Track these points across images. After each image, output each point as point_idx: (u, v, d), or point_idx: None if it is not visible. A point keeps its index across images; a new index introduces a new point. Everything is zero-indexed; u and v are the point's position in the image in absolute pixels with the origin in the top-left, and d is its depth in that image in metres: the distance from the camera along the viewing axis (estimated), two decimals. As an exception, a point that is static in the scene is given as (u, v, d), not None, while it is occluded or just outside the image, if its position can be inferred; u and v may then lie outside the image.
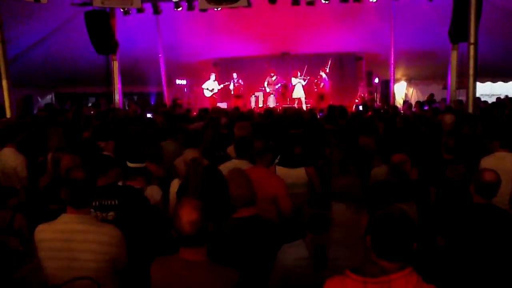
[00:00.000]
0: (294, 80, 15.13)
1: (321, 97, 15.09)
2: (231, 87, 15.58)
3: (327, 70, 15.22)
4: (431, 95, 14.28)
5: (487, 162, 4.12)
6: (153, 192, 3.62)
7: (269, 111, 9.04)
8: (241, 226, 2.80)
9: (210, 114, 8.75)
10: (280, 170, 4.16)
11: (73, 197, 2.48)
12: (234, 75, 15.55)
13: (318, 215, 2.54)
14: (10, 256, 3.00)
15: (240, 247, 2.72)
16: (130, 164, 3.62)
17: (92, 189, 2.57)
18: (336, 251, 2.51)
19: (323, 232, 2.53)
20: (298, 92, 15.12)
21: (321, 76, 15.10)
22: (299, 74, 15.10)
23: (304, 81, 15.04)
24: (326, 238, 2.52)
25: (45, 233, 2.49)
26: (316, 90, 15.24)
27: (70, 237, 2.43)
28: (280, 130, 6.16)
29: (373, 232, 1.88)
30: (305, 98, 15.13)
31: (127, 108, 13.83)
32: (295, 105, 14.83)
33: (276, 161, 4.32)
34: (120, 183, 3.60)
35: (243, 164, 4.06)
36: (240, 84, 15.50)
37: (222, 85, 15.47)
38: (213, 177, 3.26)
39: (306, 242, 2.54)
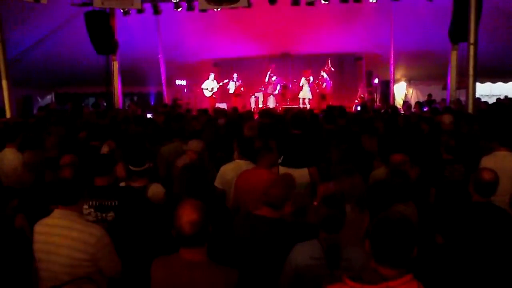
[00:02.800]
0: (303, 80, 15.12)
1: (323, 97, 15.08)
2: (231, 86, 15.57)
3: (332, 69, 15.20)
4: (429, 95, 14.29)
5: (488, 161, 4.12)
6: (155, 191, 3.62)
7: (266, 111, 9.00)
8: (256, 223, 2.83)
9: (209, 115, 8.75)
10: (283, 170, 4.16)
11: (60, 195, 2.58)
12: (235, 75, 15.55)
13: (333, 215, 2.55)
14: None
15: (249, 242, 2.74)
16: (132, 168, 3.62)
17: (80, 187, 2.64)
18: (348, 251, 2.51)
19: (336, 232, 2.54)
20: (305, 93, 15.09)
21: (322, 76, 15.10)
22: (306, 75, 15.06)
23: (307, 80, 15.03)
24: (339, 238, 2.53)
25: (40, 226, 2.62)
26: (318, 90, 15.23)
27: (54, 231, 2.54)
28: (282, 131, 6.16)
29: (372, 237, 1.84)
30: (309, 99, 15.12)
31: (126, 108, 13.84)
32: (301, 105, 14.80)
33: (279, 161, 4.31)
34: (123, 184, 3.61)
35: (246, 165, 4.06)
36: (240, 83, 15.50)
37: (221, 83, 15.47)
38: (195, 176, 3.26)
39: (321, 241, 2.55)
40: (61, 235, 2.52)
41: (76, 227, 2.54)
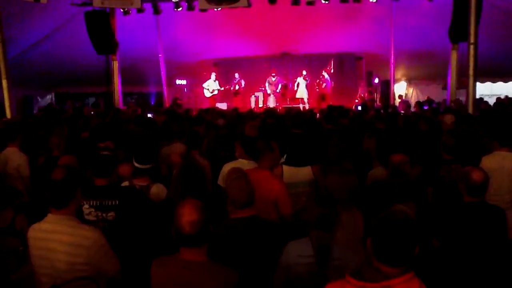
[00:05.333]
0: (299, 80, 15.13)
1: (322, 97, 15.09)
2: (232, 87, 15.60)
3: (331, 71, 15.21)
4: (424, 102, 14.20)
5: (488, 161, 4.12)
6: (158, 190, 3.62)
7: (270, 111, 9.04)
8: (240, 227, 2.80)
9: (209, 115, 8.75)
10: (286, 169, 4.16)
11: (52, 198, 2.52)
12: (236, 75, 15.55)
13: (325, 214, 2.55)
14: (7, 256, 3.00)
15: (238, 247, 2.71)
16: (137, 165, 3.63)
17: (72, 188, 2.54)
18: (339, 251, 2.51)
19: (328, 231, 2.53)
20: (302, 92, 15.10)
21: (323, 76, 15.09)
22: (304, 72, 15.06)
23: (306, 80, 15.04)
24: (330, 237, 2.53)
25: (33, 231, 2.57)
26: (318, 90, 15.23)
27: (49, 237, 2.48)
28: (284, 130, 6.17)
29: (374, 236, 1.84)
30: (308, 99, 15.12)
31: (127, 107, 13.84)
32: (300, 105, 14.81)
33: (282, 160, 4.31)
34: (127, 182, 3.61)
35: (250, 165, 4.05)
36: (241, 83, 15.50)
37: (222, 88, 15.49)
38: (191, 175, 3.26)
39: (312, 240, 2.54)
40: (56, 241, 2.47)
41: (69, 231, 2.49)
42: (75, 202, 2.60)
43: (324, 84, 15.06)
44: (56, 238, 2.48)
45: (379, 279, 1.76)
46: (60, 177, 2.50)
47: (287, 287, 2.59)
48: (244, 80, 15.60)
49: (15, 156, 4.82)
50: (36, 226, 2.58)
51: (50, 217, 2.55)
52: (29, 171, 4.80)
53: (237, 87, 15.48)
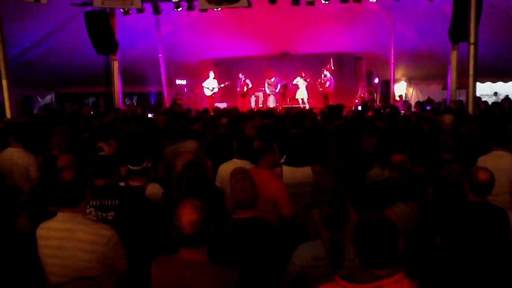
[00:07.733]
0: (298, 80, 15.11)
1: (326, 97, 15.08)
2: (238, 87, 15.60)
3: (332, 68, 15.20)
4: (426, 101, 14.22)
5: (485, 160, 4.12)
6: (154, 190, 3.63)
7: (269, 111, 9.05)
8: (242, 227, 2.79)
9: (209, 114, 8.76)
10: (286, 169, 4.16)
11: (63, 198, 2.53)
12: (241, 75, 15.54)
13: (337, 214, 2.54)
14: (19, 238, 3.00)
15: (239, 248, 2.71)
16: (129, 167, 3.63)
17: (82, 188, 2.57)
18: (350, 251, 2.51)
19: (340, 231, 2.52)
20: (301, 93, 15.11)
21: (325, 75, 15.09)
22: (303, 74, 15.06)
23: (306, 81, 15.04)
24: (342, 237, 2.52)
25: (43, 230, 2.55)
26: (321, 89, 15.22)
27: (63, 235, 2.48)
28: (283, 130, 6.17)
29: (355, 243, 1.86)
30: (307, 99, 15.12)
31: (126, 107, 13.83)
32: (300, 105, 14.82)
33: (282, 160, 4.31)
34: (122, 183, 3.62)
35: (244, 165, 4.06)
36: (247, 83, 15.50)
37: (222, 85, 15.48)
38: (195, 175, 3.25)
39: (324, 241, 2.54)
40: (71, 239, 2.46)
41: (84, 229, 2.49)
42: (85, 202, 2.63)
43: (328, 83, 15.05)
44: (71, 236, 2.47)
45: (369, 280, 1.77)
46: (71, 177, 2.51)
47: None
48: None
49: (23, 156, 4.74)
50: (46, 225, 2.56)
51: (61, 215, 2.54)
52: (39, 172, 4.75)
53: (245, 88, 15.45)
